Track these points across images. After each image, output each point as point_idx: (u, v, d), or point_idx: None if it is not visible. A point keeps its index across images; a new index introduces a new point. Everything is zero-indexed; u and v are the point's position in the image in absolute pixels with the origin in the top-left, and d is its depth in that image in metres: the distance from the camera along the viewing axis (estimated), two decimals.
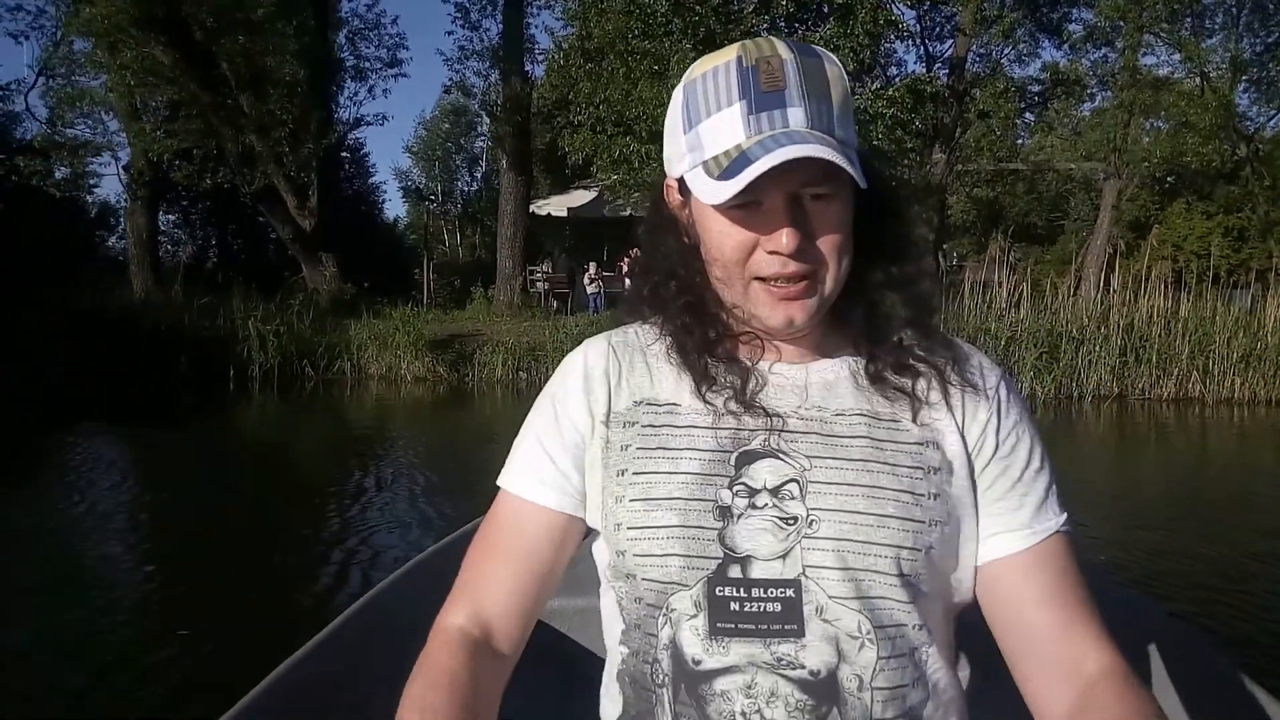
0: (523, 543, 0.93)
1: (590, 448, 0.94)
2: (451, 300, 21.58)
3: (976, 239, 32.04)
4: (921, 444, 0.89)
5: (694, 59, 0.95)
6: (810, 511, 0.84)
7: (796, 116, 0.81)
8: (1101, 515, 5.99)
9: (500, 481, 0.97)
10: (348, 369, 14.78)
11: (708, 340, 0.93)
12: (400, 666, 0.89)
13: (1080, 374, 12.73)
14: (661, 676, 0.86)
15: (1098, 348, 12.73)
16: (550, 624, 1.60)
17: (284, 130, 17.01)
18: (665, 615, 0.86)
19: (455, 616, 0.92)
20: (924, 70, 20.42)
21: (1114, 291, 13.53)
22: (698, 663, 0.84)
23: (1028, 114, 23.55)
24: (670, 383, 0.94)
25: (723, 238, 0.86)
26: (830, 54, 0.86)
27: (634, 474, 0.89)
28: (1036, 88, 22.99)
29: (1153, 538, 5.37)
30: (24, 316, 12.44)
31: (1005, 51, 21.77)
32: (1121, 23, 19.88)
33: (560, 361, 1.01)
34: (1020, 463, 0.90)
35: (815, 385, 0.92)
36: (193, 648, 3.33)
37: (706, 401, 0.91)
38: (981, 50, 21.69)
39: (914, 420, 0.90)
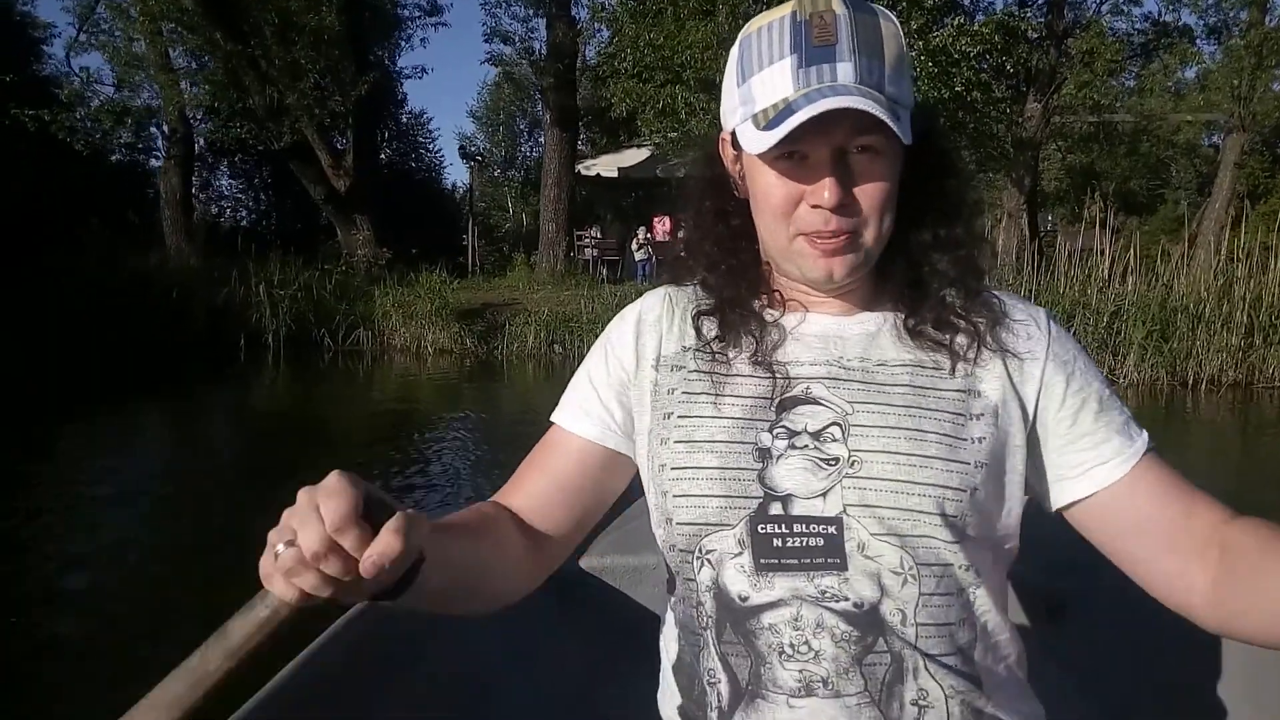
0: (560, 464, 1.00)
1: (636, 388, 0.98)
2: (499, 267, 20.43)
3: (1070, 207, 29.84)
4: (964, 391, 0.89)
5: None
6: (852, 453, 0.85)
7: (845, 71, 0.82)
8: None
9: (552, 416, 1.03)
10: (368, 340, 13.71)
11: (749, 294, 0.96)
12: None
13: (1198, 356, 10.82)
14: (706, 619, 0.89)
15: (1219, 325, 10.80)
16: (606, 580, 1.58)
17: (309, 81, 15.89)
18: (701, 558, 0.88)
19: (493, 499, 1.01)
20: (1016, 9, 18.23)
21: (1237, 261, 11.50)
22: (745, 599, 0.86)
23: (1130, 69, 21.22)
24: (718, 333, 0.96)
25: (770, 190, 0.87)
26: (887, 11, 0.86)
27: (679, 417, 0.92)
28: (1140, 39, 20.65)
29: None
30: (29, 281, 11.60)
31: (1103, 3, 19.50)
32: None
33: (599, 331, 1.06)
34: (1094, 395, 0.91)
35: (857, 337, 0.94)
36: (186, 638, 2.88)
37: (750, 352, 0.93)
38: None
39: (953, 372, 0.90)
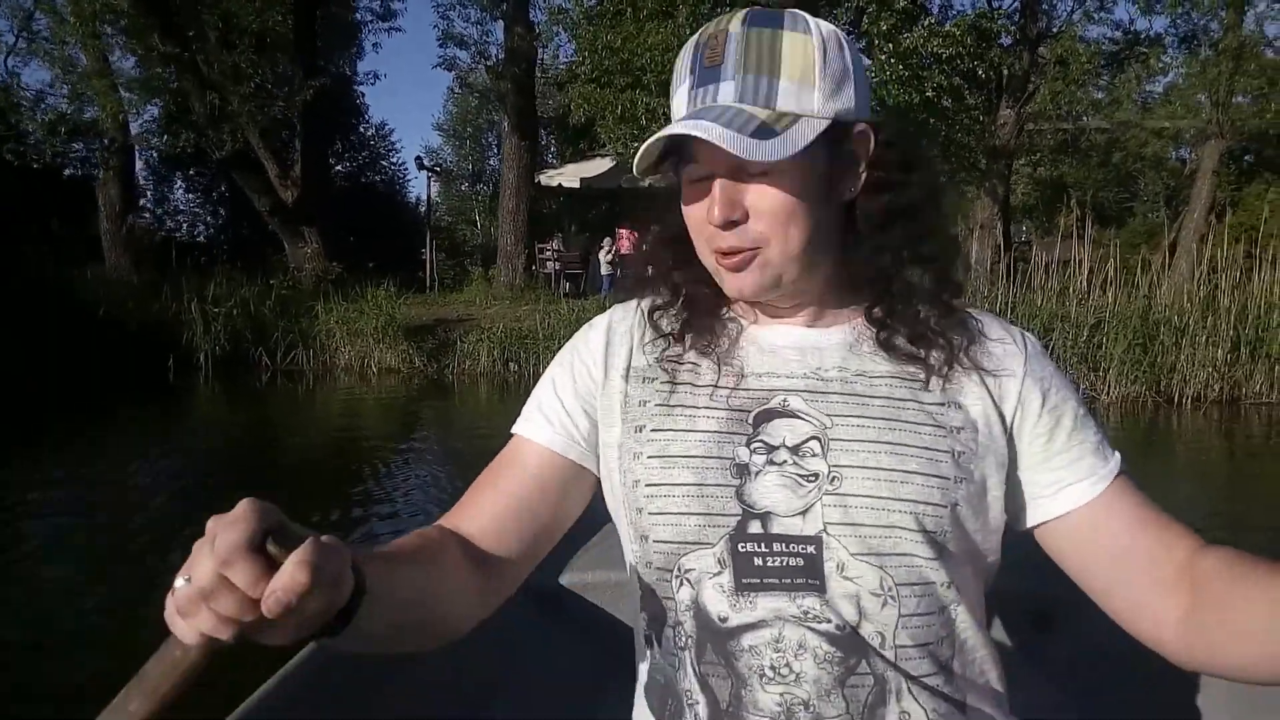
0: (517, 480, 0.93)
1: (604, 399, 0.93)
2: (459, 281, 19.72)
3: (1039, 222, 29.64)
4: (942, 404, 0.87)
5: None
6: (832, 468, 0.83)
7: (726, 91, 0.82)
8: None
9: (513, 427, 0.96)
10: (308, 358, 12.93)
11: (714, 297, 0.93)
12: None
13: (1182, 371, 10.31)
14: (684, 638, 0.85)
15: (1203, 339, 10.31)
16: (587, 597, 1.56)
17: (249, 85, 15.11)
18: (680, 577, 0.85)
19: (439, 523, 0.91)
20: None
21: (1220, 271, 11.02)
22: (724, 620, 0.83)
23: (1103, 78, 21.02)
24: (683, 331, 0.94)
25: (688, 211, 0.89)
26: (807, 20, 0.83)
27: (652, 430, 0.89)
28: (1111, 47, 20.44)
29: None
30: None
31: (1075, 11, 19.26)
32: None
33: (556, 349, 1.00)
34: (1070, 413, 0.89)
35: (834, 347, 0.92)
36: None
37: (722, 363, 0.91)
38: (1046, 5, 19.30)
39: (927, 385, 0.88)
